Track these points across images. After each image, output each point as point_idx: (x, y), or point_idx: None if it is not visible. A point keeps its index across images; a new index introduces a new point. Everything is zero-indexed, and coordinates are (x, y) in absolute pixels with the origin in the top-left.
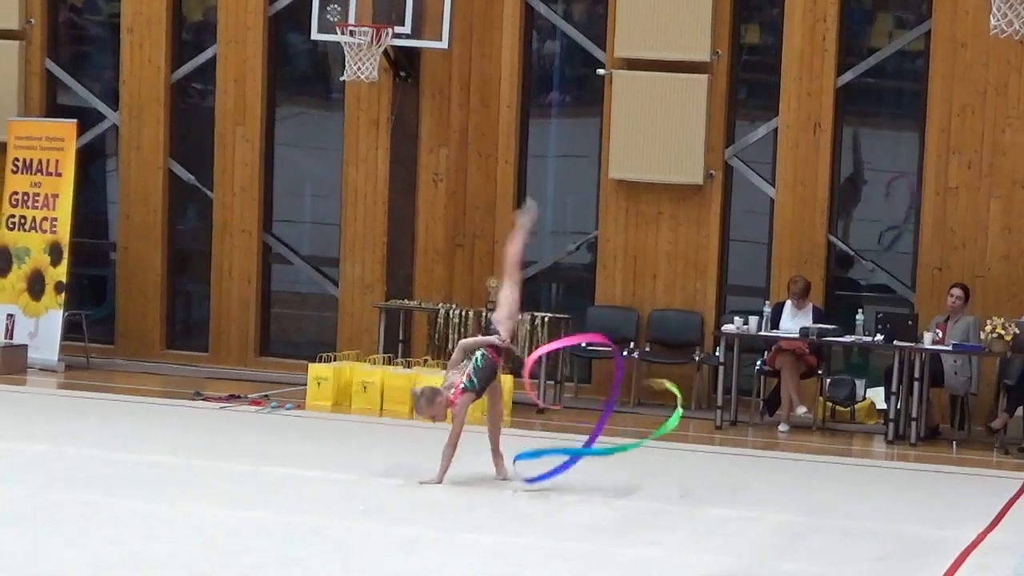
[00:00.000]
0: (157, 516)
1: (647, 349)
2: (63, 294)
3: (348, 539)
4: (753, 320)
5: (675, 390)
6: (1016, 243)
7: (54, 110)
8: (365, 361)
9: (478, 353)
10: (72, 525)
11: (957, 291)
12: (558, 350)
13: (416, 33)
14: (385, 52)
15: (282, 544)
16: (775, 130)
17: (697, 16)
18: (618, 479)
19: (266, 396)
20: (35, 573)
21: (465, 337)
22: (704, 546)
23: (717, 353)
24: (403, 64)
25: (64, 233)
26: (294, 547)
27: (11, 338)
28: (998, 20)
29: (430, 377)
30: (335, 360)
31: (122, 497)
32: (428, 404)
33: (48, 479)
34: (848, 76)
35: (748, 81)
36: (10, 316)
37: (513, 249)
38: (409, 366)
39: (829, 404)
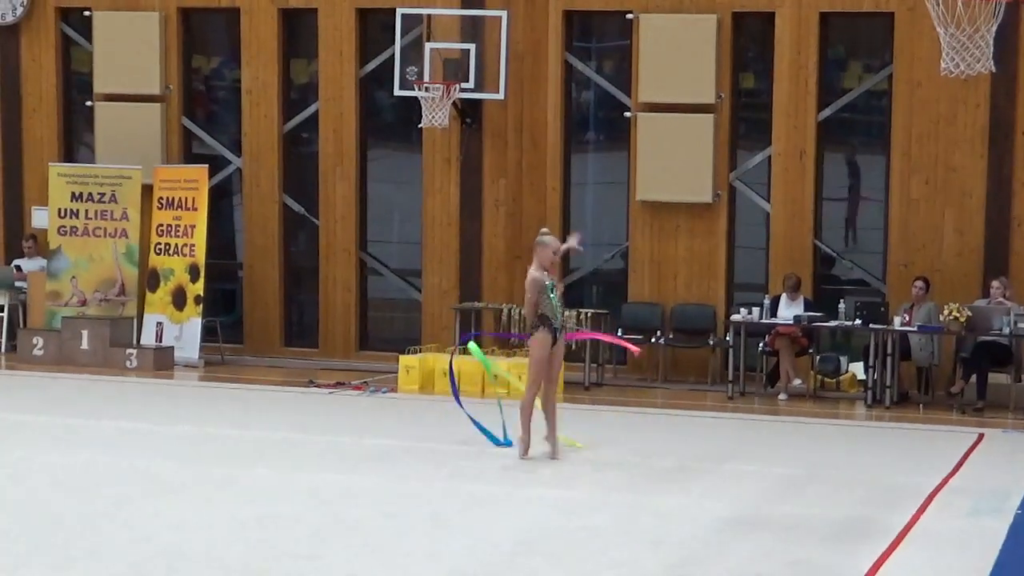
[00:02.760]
0: (281, 482)
1: (671, 336)
2: (201, 305)
3: (435, 497)
4: (756, 310)
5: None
6: (966, 243)
7: (190, 158)
8: (445, 352)
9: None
10: (215, 491)
11: (920, 283)
12: (594, 339)
13: (478, 87)
14: (454, 104)
15: (381, 503)
16: (769, 157)
17: (703, 67)
18: (649, 442)
19: (366, 382)
20: (188, 528)
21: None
22: (722, 495)
23: (728, 338)
24: (468, 113)
25: (200, 256)
26: (391, 505)
27: (161, 341)
28: (947, 63)
29: (499, 363)
30: (420, 352)
31: (253, 468)
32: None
33: (193, 455)
34: (827, 112)
35: (746, 118)
36: (159, 324)
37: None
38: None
39: (819, 377)
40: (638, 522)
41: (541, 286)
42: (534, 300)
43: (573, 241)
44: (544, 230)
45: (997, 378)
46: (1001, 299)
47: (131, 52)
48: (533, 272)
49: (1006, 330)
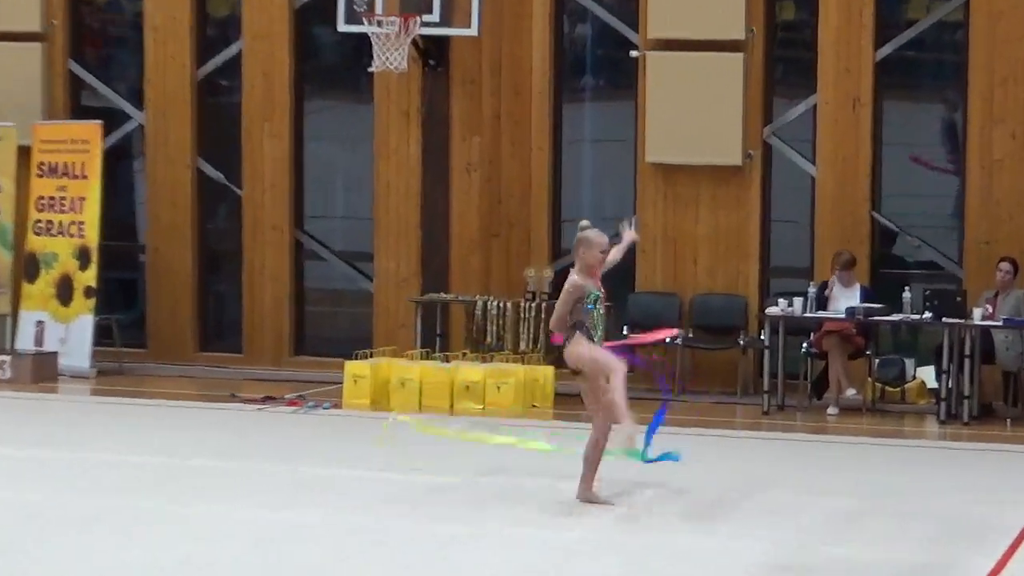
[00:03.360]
0: (200, 519)
1: (690, 335)
2: (93, 299)
3: (391, 539)
4: (798, 302)
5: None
6: None
7: (78, 112)
8: (402, 357)
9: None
10: (121, 529)
11: (1006, 265)
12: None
13: (445, 21)
14: (414, 42)
15: (325, 545)
16: (814, 107)
17: None
18: (665, 468)
19: (302, 396)
20: (102, 568)
21: (502, 330)
22: (756, 534)
23: (762, 336)
24: (432, 53)
25: (92, 237)
26: (337, 548)
27: (41, 345)
28: None
29: (471, 371)
30: (372, 357)
31: (165, 501)
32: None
33: (92, 485)
34: (886, 50)
35: (784, 58)
36: (40, 323)
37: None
38: (448, 360)
39: (878, 385)
40: (652, 569)
41: (580, 295)
42: (564, 314)
43: (630, 232)
44: (584, 223)
45: None
46: None
47: None
48: (575, 277)
49: None
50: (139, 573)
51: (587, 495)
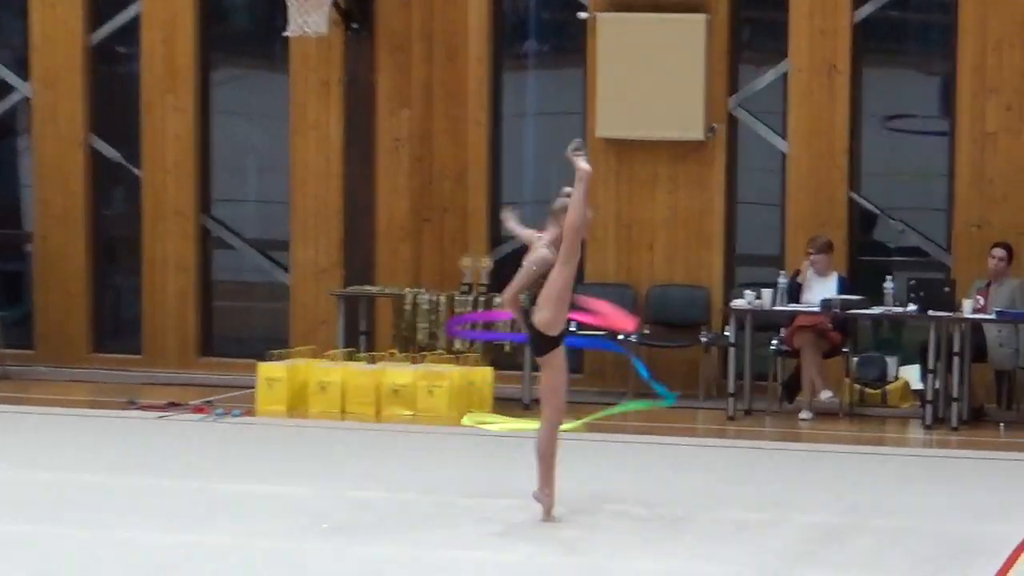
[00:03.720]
0: (93, 544)
1: (646, 332)
2: None
3: (315, 563)
4: (767, 293)
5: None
6: None
7: None
8: (323, 358)
9: None
10: (7, 558)
11: (999, 251)
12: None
13: None
14: (334, 2)
15: (235, 572)
16: (785, 75)
17: None
18: (618, 482)
19: (210, 402)
20: None
21: (434, 327)
22: (720, 555)
23: (727, 333)
24: (355, 15)
25: None
26: (248, 574)
27: None
28: None
29: (399, 373)
30: (288, 358)
31: (52, 524)
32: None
33: None
34: (867, 10)
35: (753, 20)
36: None
37: (580, 213)
38: (374, 361)
39: (857, 386)
40: None
41: (546, 272)
42: (523, 285)
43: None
44: (567, 190)
45: None
46: None
47: None
48: (545, 251)
49: None
50: None
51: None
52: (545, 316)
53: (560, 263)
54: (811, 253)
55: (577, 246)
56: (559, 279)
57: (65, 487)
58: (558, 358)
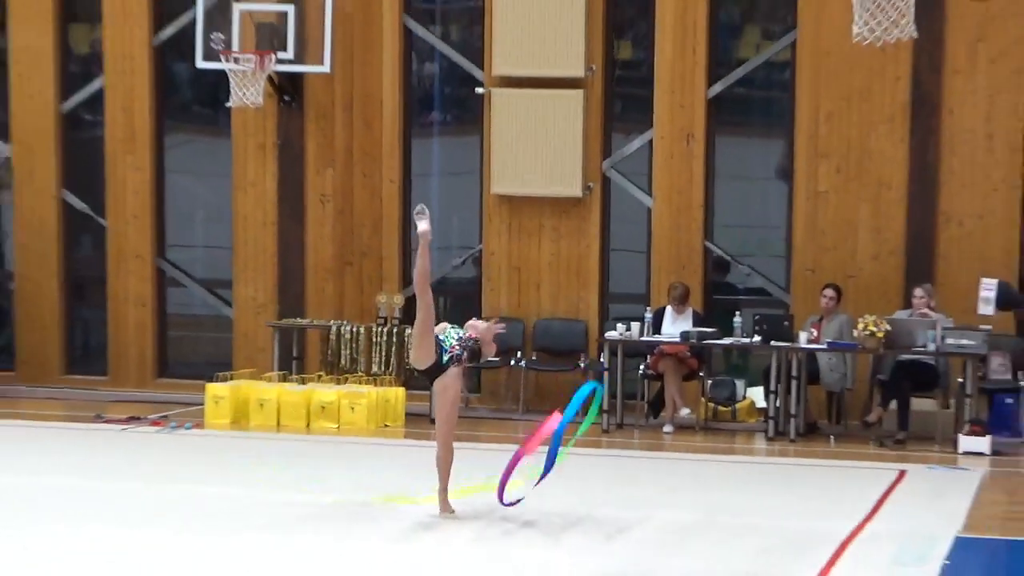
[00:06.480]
0: (61, 539)
1: (533, 358)
2: None
3: (261, 557)
4: (635, 326)
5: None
6: (885, 243)
7: None
8: (261, 379)
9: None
10: None
11: (830, 291)
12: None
13: (298, 58)
14: (269, 78)
15: (187, 563)
16: (650, 141)
17: (571, 33)
18: (512, 485)
19: (165, 416)
20: None
21: (355, 353)
22: (595, 547)
23: (602, 359)
24: (287, 89)
25: None
26: (198, 565)
27: None
28: (860, 27)
29: (326, 392)
30: (232, 379)
31: (26, 522)
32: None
33: None
34: (718, 87)
35: (623, 95)
36: None
37: (421, 265)
38: (304, 382)
39: (711, 405)
40: None
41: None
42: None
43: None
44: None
45: (921, 404)
46: (926, 310)
47: None
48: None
49: (931, 347)
50: None
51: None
52: (413, 354)
53: (418, 308)
54: (671, 301)
55: (426, 291)
56: (417, 323)
57: (39, 489)
58: (443, 385)
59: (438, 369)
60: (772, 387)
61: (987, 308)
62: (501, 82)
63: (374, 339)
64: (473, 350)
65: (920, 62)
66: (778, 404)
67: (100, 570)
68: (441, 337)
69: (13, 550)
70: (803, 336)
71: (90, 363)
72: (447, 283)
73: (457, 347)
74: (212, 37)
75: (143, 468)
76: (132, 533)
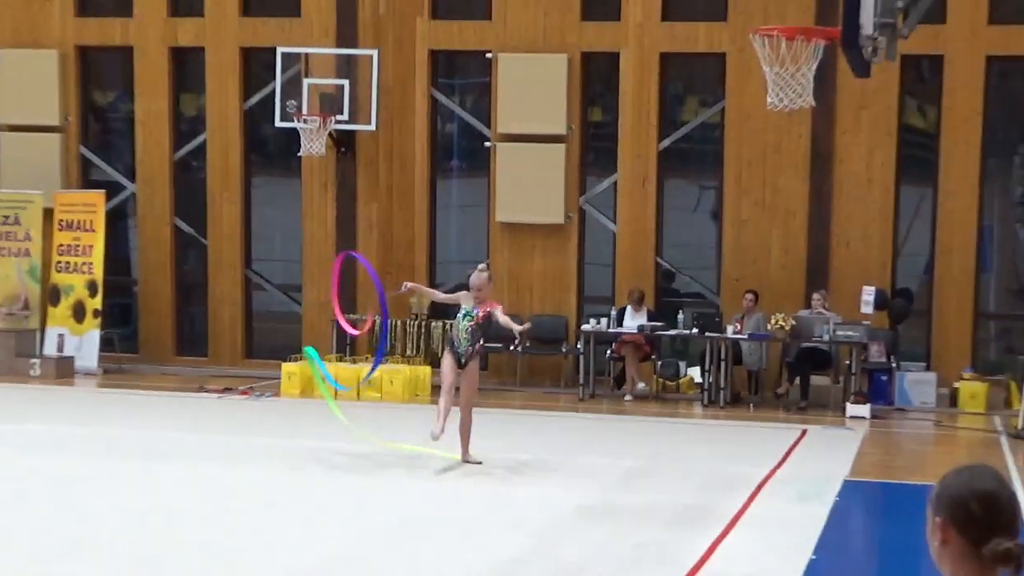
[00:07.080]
0: (175, 476)
1: (527, 345)
2: (99, 318)
3: (315, 489)
4: (604, 321)
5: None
6: (791, 258)
7: (88, 184)
8: (323, 359)
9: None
10: (113, 483)
11: (750, 295)
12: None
13: (352, 119)
14: (330, 134)
15: (266, 494)
16: (615, 183)
17: (555, 101)
18: (509, 440)
19: (251, 387)
20: (87, 520)
21: (394, 339)
22: (574, 485)
23: (579, 346)
24: (343, 142)
25: (98, 273)
26: (275, 495)
27: (62, 351)
28: (772, 98)
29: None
30: (301, 360)
31: (149, 463)
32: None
33: (97, 451)
34: (666, 142)
35: (594, 147)
36: (60, 336)
37: (434, 296)
38: (354, 363)
39: (660, 380)
40: (499, 510)
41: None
42: (436, 297)
43: (520, 328)
44: (481, 266)
45: (818, 380)
46: (821, 310)
47: (32, 86)
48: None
49: (826, 337)
50: (115, 518)
51: (465, 456)
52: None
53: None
54: (630, 302)
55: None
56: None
57: (157, 441)
58: (467, 372)
59: (460, 366)
60: (706, 367)
61: (868, 309)
62: (504, 138)
63: (408, 330)
64: (483, 328)
65: (817, 124)
66: (711, 380)
67: (210, 494)
68: (456, 342)
69: (146, 480)
70: (730, 329)
71: (195, 347)
72: (465, 285)
73: (470, 348)
74: (287, 104)
75: (235, 425)
76: (231, 470)
